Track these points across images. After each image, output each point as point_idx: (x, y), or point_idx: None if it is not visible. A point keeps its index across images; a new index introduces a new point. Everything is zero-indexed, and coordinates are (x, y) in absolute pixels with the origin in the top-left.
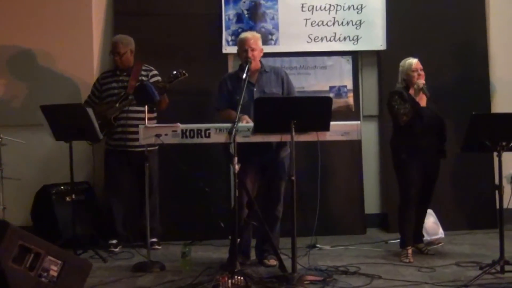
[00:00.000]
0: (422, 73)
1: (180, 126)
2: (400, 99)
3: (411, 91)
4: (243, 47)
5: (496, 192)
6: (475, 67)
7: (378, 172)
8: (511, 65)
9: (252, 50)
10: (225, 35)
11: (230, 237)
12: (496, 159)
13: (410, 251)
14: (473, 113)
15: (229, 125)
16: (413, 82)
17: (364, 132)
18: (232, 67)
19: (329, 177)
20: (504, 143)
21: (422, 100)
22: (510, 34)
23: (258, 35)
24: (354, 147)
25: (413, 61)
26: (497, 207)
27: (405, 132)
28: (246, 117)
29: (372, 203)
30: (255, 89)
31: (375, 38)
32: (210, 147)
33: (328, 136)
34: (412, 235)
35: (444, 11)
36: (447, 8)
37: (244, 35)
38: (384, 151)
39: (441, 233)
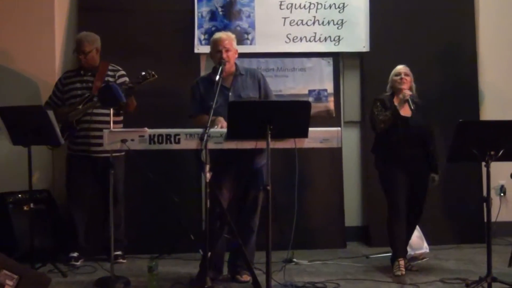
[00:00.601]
0: (407, 78)
1: (148, 131)
2: (382, 106)
3: (396, 100)
4: (217, 47)
5: (484, 204)
6: (463, 71)
7: (360, 182)
8: (500, 70)
9: (227, 51)
10: (197, 33)
11: (200, 250)
12: (484, 170)
13: (402, 262)
14: (460, 120)
15: (200, 130)
16: (397, 88)
17: (345, 139)
18: (204, 68)
19: (307, 187)
20: (492, 153)
21: (406, 109)
22: (500, 36)
23: (232, 36)
24: (334, 155)
25: (399, 66)
26: (485, 220)
27: (384, 141)
28: (221, 119)
29: (353, 215)
30: (230, 94)
31: (357, 39)
32: (181, 154)
33: (306, 143)
34: (404, 246)
35: (431, 12)
36: (434, 9)
37: (218, 35)
38: (367, 159)
39: (425, 247)
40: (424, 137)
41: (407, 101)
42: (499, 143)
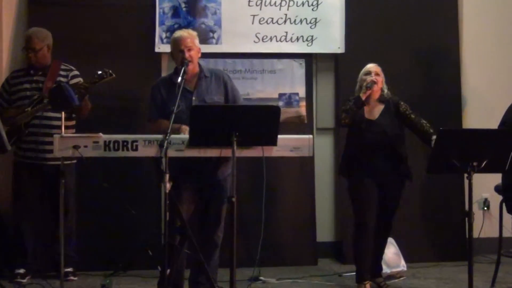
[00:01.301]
0: (378, 78)
1: (103, 136)
2: (349, 101)
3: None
4: (179, 47)
5: (466, 219)
6: (446, 76)
7: (333, 194)
8: (484, 74)
9: (189, 50)
10: (158, 31)
11: (159, 267)
12: (466, 182)
13: (368, 286)
14: (441, 128)
15: (160, 136)
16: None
17: (317, 147)
18: (166, 68)
19: (276, 199)
20: (475, 163)
21: (374, 111)
22: (484, 40)
23: (194, 33)
24: (305, 165)
25: (369, 65)
26: (467, 236)
27: (354, 147)
28: (187, 128)
29: (325, 230)
30: (193, 98)
31: (332, 40)
32: (138, 162)
33: (275, 151)
34: (370, 267)
35: (413, 12)
36: (416, 9)
37: (178, 33)
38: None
39: (403, 265)
40: (393, 143)
41: (367, 86)
42: (482, 153)
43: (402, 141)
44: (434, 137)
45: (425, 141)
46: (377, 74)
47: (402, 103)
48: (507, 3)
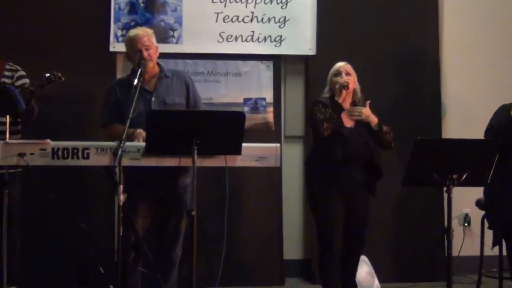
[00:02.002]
0: (349, 78)
1: (51, 143)
2: (324, 107)
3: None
4: (135, 46)
5: (445, 236)
6: (425, 81)
7: (302, 207)
8: (465, 80)
9: (147, 49)
10: (113, 28)
11: (111, 286)
12: (445, 196)
13: None
14: (418, 138)
15: (114, 144)
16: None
17: (285, 157)
18: (121, 69)
19: (240, 213)
20: (454, 176)
21: (349, 119)
22: (464, 45)
23: (151, 31)
24: (272, 176)
25: (338, 64)
26: (446, 254)
27: (323, 157)
28: (142, 132)
29: (293, 247)
30: (153, 99)
31: (302, 40)
32: (90, 171)
33: (239, 161)
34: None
35: (392, 14)
36: (394, 9)
37: (133, 32)
38: None
39: (376, 285)
40: (368, 153)
41: (343, 86)
42: (463, 165)
43: (379, 152)
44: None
45: (370, 188)
46: (348, 74)
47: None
48: (487, 9)
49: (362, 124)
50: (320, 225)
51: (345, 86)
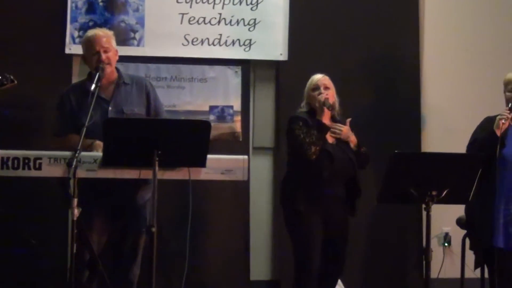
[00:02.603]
0: (330, 92)
1: (0, 152)
2: (306, 126)
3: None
4: (93, 48)
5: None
6: (404, 91)
7: (271, 225)
8: (445, 90)
9: (106, 51)
10: (70, 29)
11: None
12: (424, 214)
13: None
14: (395, 151)
15: (68, 153)
16: (316, 107)
17: (254, 170)
18: (78, 72)
19: (204, 230)
20: (434, 193)
21: (330, 136)
22: (445, 53)
23: (110, 32)
24: (239, 190)
25: (316, 77)
26: (424, 276)
27: (307, 175)
28: (101, 143)
29: (260, 267)
30: (110, 108)
31: (273, 45)
32: (42, 183)
33: (203, 174)
34: None
35: (368, 17)
36: (372, 14)
37: (92, 32)
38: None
39: None
40: (352, 171)
41: (323, 104)
42: (443, 181)
43: (357, 169)
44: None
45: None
46: (326, 88)
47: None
48: (469, 19)
49: (343, 142)
50: (299, 245)
51: (329, 107)
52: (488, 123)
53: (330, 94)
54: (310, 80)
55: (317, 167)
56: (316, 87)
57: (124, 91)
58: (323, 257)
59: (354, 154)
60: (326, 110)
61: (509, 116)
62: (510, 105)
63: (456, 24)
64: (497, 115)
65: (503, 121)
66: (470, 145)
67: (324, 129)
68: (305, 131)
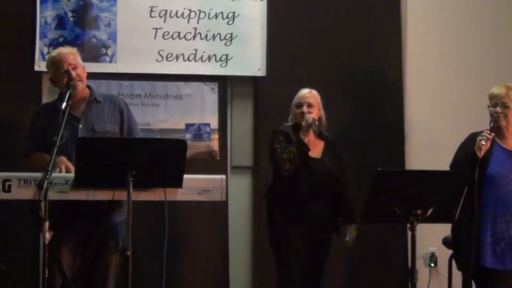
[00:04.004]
0: (312, 110)
1: None
2: (286, 141)
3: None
4: (61, 67)
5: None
6: (387, 106)
7: (251, 245)
8: (428, 106)
9: (74, 68)
10: (39, 45)
11: None
12: (409, 233)
13: None
14: (378, 169)
15: (38, 175)
16: (298, 121)
17: (232, 189)
18: (47, 90)
19: (181, 253)
20: (419, 212)
21: (316, 149)
22: (428, 67)
23: (74, 49)
24: (217, 210)
25: (301, 93)
26: None
27: (287, 189)
28: (64, 159)
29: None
30: (80, 126)
31: (251, 60)
32: (11, 205)
33: (180, 195)
34: None
35: (349, 32)
36: (353, 28)
37: (56, 51)
38: (260, 216)
39: None
40: (335, 185)
41: (310, 125)
42: (428, 200)
43: (347, 184)
44: (353, 225)
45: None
46: (310, 105)
47: (337, 148)
48: (452, 33)
49: (331, 154)
50: (281, 263)
51: (315, 131)
52: (472, 141)
53: (314, 112)
54: (297, 95)
55: (295, 182)
56: (299, 104)
57: (96, 108)
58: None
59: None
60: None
61: (490, 137)
62: (491, 124)
63: (439, 39)
64: (481, 132)
65: (483, 143)
66: (453, 166)
67: (304, 148)
68: (283, 146)
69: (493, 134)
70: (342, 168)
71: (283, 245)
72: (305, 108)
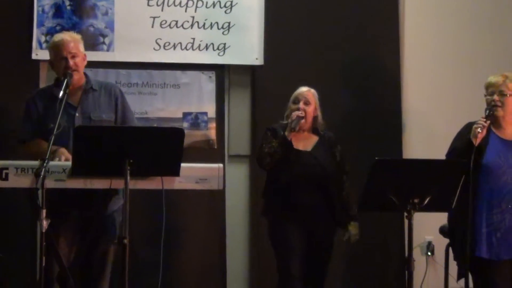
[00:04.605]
0: (308, 108)
1: None
2: (273, 136)
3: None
4: (61, 53)
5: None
6: (384, 95)
7: (248, 236)
8: (425, 95)
9: (73, 57)
10: (36, 33)
11: None
12: (406, 222)
13: None
14: (376, 158)
15: (36, 163)
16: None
17: (229, 178)
18: (45, 79)
19: (178, 242)
20: (416, 200)
21: (307, 143)
22: (425, 58)
23: (78, 36)
24: (214, 199)
25: (300, 90)
26: (407, 286)
27: (274, 183)
28: (64, 151)
29: (237, 280)
30: (77, 114)
31: (249, 49)
32: (8, 194)
33: (177, 183)
34: None
35: (346, 20)
36: (350, 17)
37: (59, 37)
38: (258, 206)
39: None
40: (329, 180)
41: (293, 128)
42: (425, 188)
43: (342, 178)
44: (353, 223)
45: (336, 218)
46: (306, 103)
47: (339, 147)
48: (449, 23)
49: (325, 150)
50: (278, 256)
51: (293, 129)
52: (468, 130)
53: (309, 110)
54: (295, 92)
55: (278, 175)
56: (296, 100)
57: (92, 97)
58: (308, 266)
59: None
60: (302, 123)
61: (485, 125)
62: (487, 112)
63: (437, 29)
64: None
65: (478, 130)
66: (449, 154)
67: (286, 144)
68: (268, 141)
69: (488, 121)
70: (342, 167)
71: (277, 241)
72: (301, 105)
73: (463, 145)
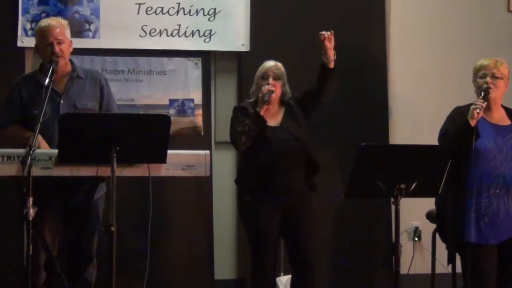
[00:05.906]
0: (277, 83)
1: None
2: (243, 116)
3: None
4: (47, 39)
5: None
6: (370, 81)
7: (235, 222)
8: (411, 80)
9: (59, 43)
10: (21, 21)
11: None
12: (393, 208)
13: None
14: (362, 144)
15: (22, 151)
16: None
17: (216, 165)
18: (31, 66)
19: (165, 228)
20: (402, 186)
21: (276, 118)
22: (411, 41)
23: (65, 22)
24: (201, 186)
25: (267, 64)
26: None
27: (250, 163)
28: (40, 138)
29: (225, 265)
30: (62, 102)
31: (235, 35)
32: None
33: (164, 170)
34: None
35: (333, 6)
36: (337, 3)
37: (45, 22)
38: None
39: None
40: (302, 150)
41: (266, 100)
42: (412, 174)
43: (315, 148)
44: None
45: (321, 76)
46: (275, 78)
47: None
48: (436, 8)
49: (291, 120)
50: (250, 240)
51: (266, 101)
52: (458, 113)
53: (278, 86)
54: (261, 67)
55: (255, 155)
56: (265, 76)
57: (78, 84)
58: (291, 263)
59: (303, 128)
60: (273, 98)
61: (483, 105)
62: (483, 94)
63: (423, 14)
64: (468, 105)
65: (477, 111)
66: (442, 136)
67: (260, 121)
68: (240, 120)
69: (485, 102)
70: (307, 130)
71: (249, 224)
72: (271, 81)
73: (459, 126)
